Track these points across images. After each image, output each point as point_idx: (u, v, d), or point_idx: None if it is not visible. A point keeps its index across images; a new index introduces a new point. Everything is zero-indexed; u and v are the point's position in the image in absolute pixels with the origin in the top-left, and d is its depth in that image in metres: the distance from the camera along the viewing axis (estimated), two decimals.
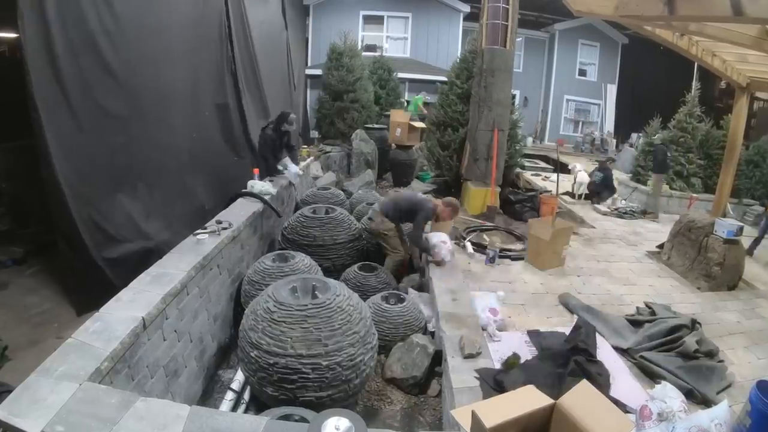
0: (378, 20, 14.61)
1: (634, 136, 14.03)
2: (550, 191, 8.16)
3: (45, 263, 4.36)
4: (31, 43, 3.23)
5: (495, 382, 2.59)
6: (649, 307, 3.87)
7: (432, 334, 3.62)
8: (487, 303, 3.58)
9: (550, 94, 17.35)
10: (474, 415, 1.35)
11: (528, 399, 1.51)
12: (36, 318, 3.52)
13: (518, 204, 6.67)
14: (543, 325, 3.53)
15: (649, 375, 3.00)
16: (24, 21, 3.16)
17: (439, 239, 4.27)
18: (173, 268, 2.99)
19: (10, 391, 1.87)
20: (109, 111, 3.96)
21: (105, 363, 2.05)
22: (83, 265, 3.67)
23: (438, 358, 3.27)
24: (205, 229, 3.69)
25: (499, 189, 6.64)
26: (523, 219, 6.21)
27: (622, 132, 16.41)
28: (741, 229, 4.51)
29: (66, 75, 3.49)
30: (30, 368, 1.98)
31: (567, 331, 3.46)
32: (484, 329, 3.30)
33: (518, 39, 8.89)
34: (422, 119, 10.17)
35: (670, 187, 8.27)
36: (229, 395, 3.00)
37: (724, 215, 5.72)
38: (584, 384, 1.63)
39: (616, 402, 2.46)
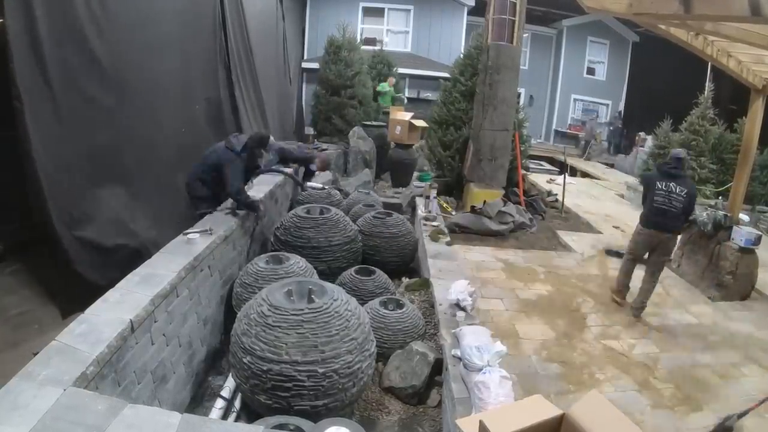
0: (378, 12, 14.66)
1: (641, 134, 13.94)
2: (556, 195, 8.22)
3: (26, 262, 4.33)
4: (15, 29, 3.22)
5: None
6: None
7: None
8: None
9: (556, 93, 17.44)
10: (482, 425, 1.37)
11: (537, 409, 1.52)
12: (16, 319, 3.50)
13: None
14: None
15: None
16: (8, 5, 3.16)
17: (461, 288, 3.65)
18: (162, 268, 2.98)
19: None
20: (95, 102, 3.94)
21: (91, 367, 2.05)
22: (66, 264, 3.65)
23: (438, 366, 3.28)
24: (196, 228, 3.68)
25: (502, 191, 6.67)
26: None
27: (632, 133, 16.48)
28: (759, 237, 4.54)
29: (50, 63, 3.49)
30: (10, 372, 1.97)
31: None
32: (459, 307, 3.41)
33: (524, 35, 8.93)
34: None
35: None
36: (219, 403, 2.99)
37: (738, 223, 5.76)
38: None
39: None
